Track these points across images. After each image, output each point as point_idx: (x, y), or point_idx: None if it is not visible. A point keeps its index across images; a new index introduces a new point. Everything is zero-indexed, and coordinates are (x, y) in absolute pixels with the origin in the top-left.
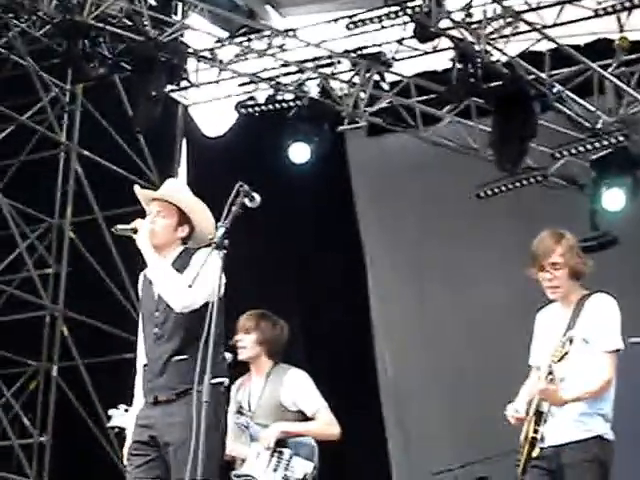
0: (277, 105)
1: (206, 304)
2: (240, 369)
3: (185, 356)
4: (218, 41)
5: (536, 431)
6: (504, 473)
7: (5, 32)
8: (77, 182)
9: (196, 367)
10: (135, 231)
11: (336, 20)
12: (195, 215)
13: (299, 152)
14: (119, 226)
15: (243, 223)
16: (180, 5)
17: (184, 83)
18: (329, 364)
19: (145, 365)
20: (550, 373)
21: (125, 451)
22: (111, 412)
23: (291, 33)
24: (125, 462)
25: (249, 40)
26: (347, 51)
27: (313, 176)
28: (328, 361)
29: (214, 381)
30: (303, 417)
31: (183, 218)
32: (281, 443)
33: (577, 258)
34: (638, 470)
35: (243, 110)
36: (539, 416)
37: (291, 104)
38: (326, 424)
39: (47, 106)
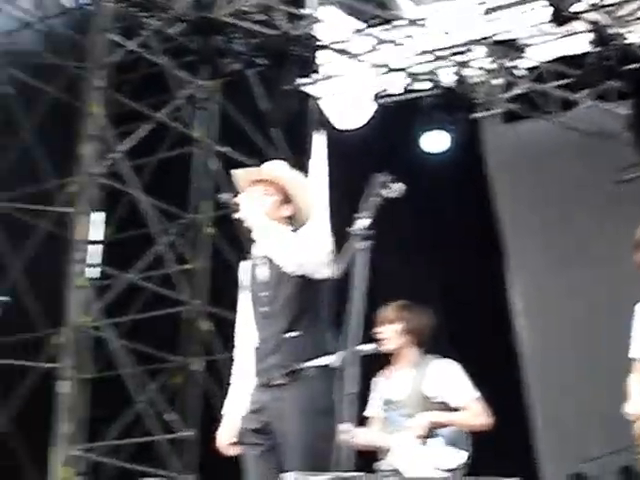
0: (412, 95)
1: (317, 280)
2: (379, 361)
3: (297, 333)
4: (351, 33)
5: None
6: None
7: (140, 31)
8: (213, 178)
9: (308, 344)
10: (239, 206)
11: (470, 7)
12: (298, 194)
13: (435, 141)
14: (224, 195)
15: (381, 213)
16: None
17: (317, 76)
18: (470, 356)
19: (257, 347)
20: None
21: (225, 436)
22: None
23: (424, 22)
24: (223, 443)
25: (382, 30)
26: (482, 38)
27: (449, 165)
28: (469, 353)
29: (322, 362)
30: (447, 408)
31: (286, 198)
32: (430, 433)
33: None
34: None
35: (378, 101)
36: None
37: (426, 93)
38: (475, 414)
39: (183, 103)
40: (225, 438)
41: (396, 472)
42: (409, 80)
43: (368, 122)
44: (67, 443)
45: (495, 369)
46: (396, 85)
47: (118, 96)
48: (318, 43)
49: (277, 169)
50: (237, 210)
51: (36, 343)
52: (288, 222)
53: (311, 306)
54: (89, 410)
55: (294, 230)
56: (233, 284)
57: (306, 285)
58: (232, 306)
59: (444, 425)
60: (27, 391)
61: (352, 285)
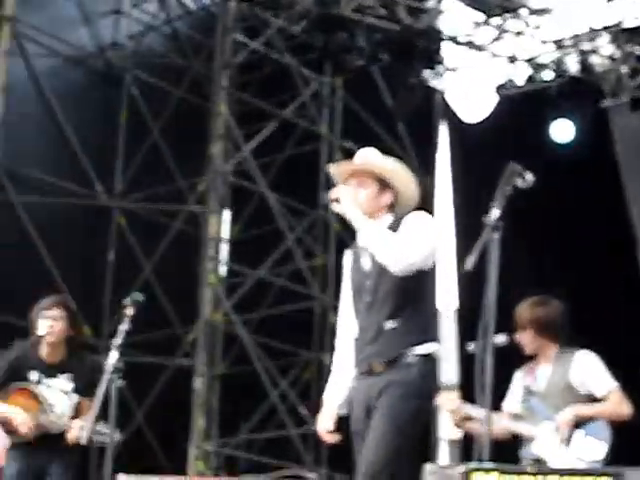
0: (537, 85)
1: (420, 272)
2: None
3: (396, 323)
4: (474, 24)
5: None
6: None
7: (264, 30)
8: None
9: (407, 333)
10: (337, 201)
11: None
12: (396, 180)
13: (562, 131)
14: (326, 195)
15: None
16: None
17: (441, 69)
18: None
19: (356, 338)
20: None
21: (323, 424)
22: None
23: (547, 11)
24: (323, 430)
25: (505, 21)
26: (607, 26)
27: (577, 153)
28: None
29: (422, 350)
30: (591, 399)
31: (383, 185)
32: (574, 424)
33: None
34: None
35: (503, 92)
36: None
37: (551, 83)
38: (617, 404)
39: (307, 100)
40: (324, 426)
41: (539, 461)
42: (532, 70)
43: (491, 113)
44: (201, 438)
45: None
46: (520, 75)
47: (244, 95)
48: (442, 35)
49: (370, 159)
50: (337, 205)
51: (170, 340)
52: (389, 210)
53: (414, 296)
54: (222, 405)
55: (396, 218)
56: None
57: (412, 276)
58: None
59: (589, 418)
60: (162, 387)
61: (485, 276)
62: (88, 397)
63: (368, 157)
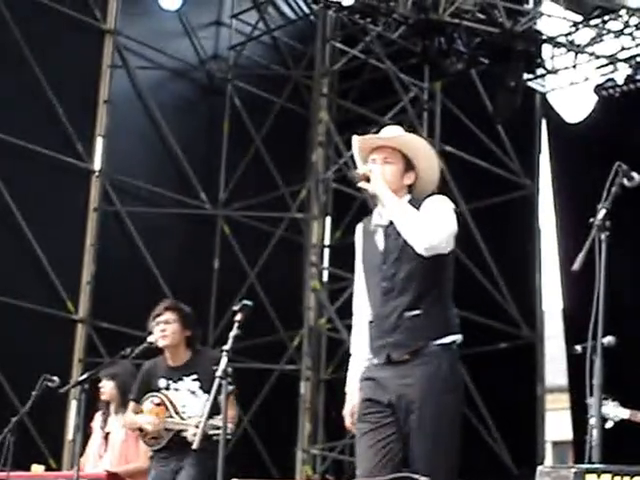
0: (638, 84)
1: (440, 257)
2: None
3: (419, 311)
4: (573, 25)
5: None
6: None
7: (363, 37)
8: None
9: (430, 322)
10: (367, 179)
11: None
12: (420, 161)
13: None
14: (354, 173)
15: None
16: None
17: (541, 71)
18: None
19: (371, 321)
20: None
21: (350, 416)
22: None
23: None
24: (349, 421)
25: (604, 21)
26: None
27: None
28: None
29: (446, 340)
30: None
31: (408, 164)
32: None
33: None
34: None
35: (603, 92)
36: None
37: None
38: None
39: (407, 106)
40: (349, 418)
41: None
42: (633, 70)
43: (592, 113)
44: (308, 442)
45: None
46: (620, 75)
47: (344, 102)
48: (541, 37)
49: (398, 135)
50: (362, 180)
51: (275, 346)
52: (409, 191)
53: (435, 283)
54: (328, 409)
55: (414, 199)
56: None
57: (431, 261)
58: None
59: None
60: (268, 392)
61: (596, 277)
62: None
63: (397, 133)
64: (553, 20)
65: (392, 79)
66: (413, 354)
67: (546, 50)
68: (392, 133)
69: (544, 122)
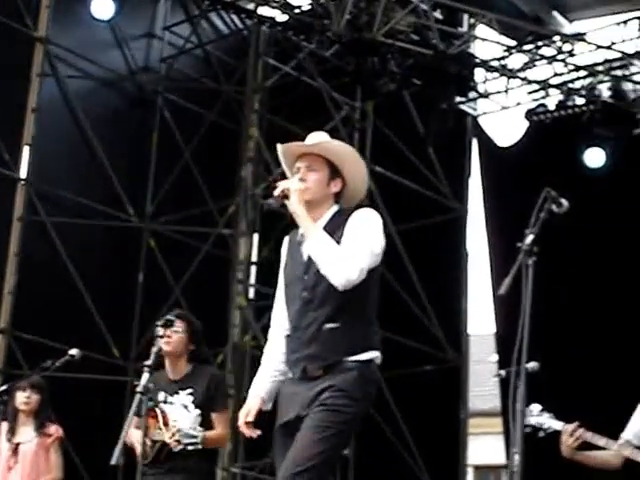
0: (568, 111)
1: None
2: None
3: (338, 324)
4: (506, 50)
5: None
6: None
7: (296, 54)
8: (369, 197)
9: (349, 337)
10: (286, 197)
11: (626, 22)
12: (347, 167)
13: (594, 157)
14: (268, 200)
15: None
16: (466, 17)
17: (473, 94)
18: None
19: (290, 334)
20: None
21: (243, 416)
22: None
23: (580, 37)
24: (242, 421)
25: (537, 47)
26: (639, 52)
27: (610, 180)
28: None
29: (364, 357)
30: None
31: (334, 171)
32: None
33: None
34: None
35: (534, 117)
36: None
37: (583, 109)
38: None
39: (339, 124)
40: (243, 418)
41: None
42: (564, 96)
43: (522, 138)
44: (228, 460)
45: None
46: (551, 101)
47: (275, 119)
48: (474, 61)
49: (323, 141)
50: (280, 199)
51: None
52: (335, 199)
53: (357, 297)
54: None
55: (341, 210)
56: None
57: None
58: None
59: None
60: None
61: (520, 300)
62: (213, 411)
63: (322, 139)
64: (487, 44)
65: (324, 97)
66: (328, 369)
67: (479, 74)
68: (316, 139)
69: (475, 145)
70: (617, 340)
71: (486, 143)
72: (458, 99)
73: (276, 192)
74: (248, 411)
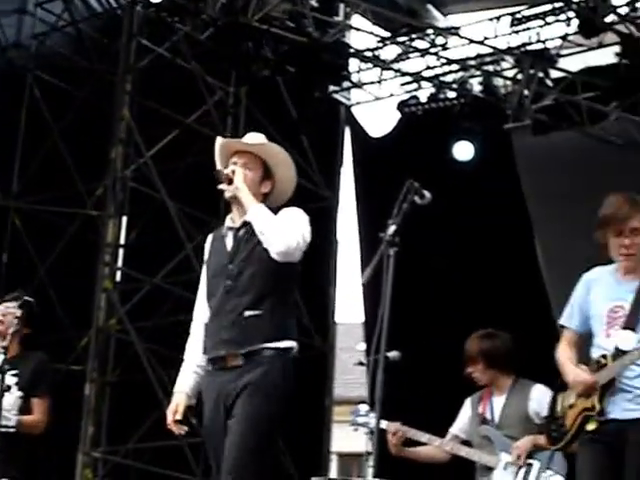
0: (440, 104)
1: (288, 264)
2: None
3: (259, 312)
4: (380, 41)
5: (592, 406)
6: None
7: (170, 36)
8: None
9: (269, 324)
10: (230, 180)
11: (499, 17)
12: (280, 171)
13: (463, 150)
14: (220, 174)
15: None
16: (342, 6)
17: (346, 83)
18: None
19: (209, 321)
20: None
21: (171, 414)
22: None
23: (453, 31)
24: (171, 419)
25: (411, 39)
26: (510, 48)
27: (478, 174)
28: None
29: (282, 345)
30: None
31: (267, 172)
32: (530, 455)
33: None
34: None
35: (406, 109)
36: (605, 389)
37: (454, 102)
38: None
39: (211, 109)
40: (171, 416)
41: None
42: (436, 89)
43: (394, 129)
44: (90, 445)
45: None
46: (424, 93)
47: (147, 101)
48: (348, 50)
49: (263, 143)
50: (225, 181)
51: (62, 345)
52: (264, 199)
53: (278, 287)
54: (113, 413)
55: (269, 208)
56: None
57: (278, 265)
58: None
59: (545, 447)
60: (54, 392)
61: (382, 290)
62: (34, 396)
63: (259, 141)
64: (361, 34)
65: (198, 81)
66: (247, 358)
67: (353, 63)
68: (256, 140)
69: (348, 135)
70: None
71: (359, 133)
72: (332, 88)
73: (224, 172)
74: (176, 409)
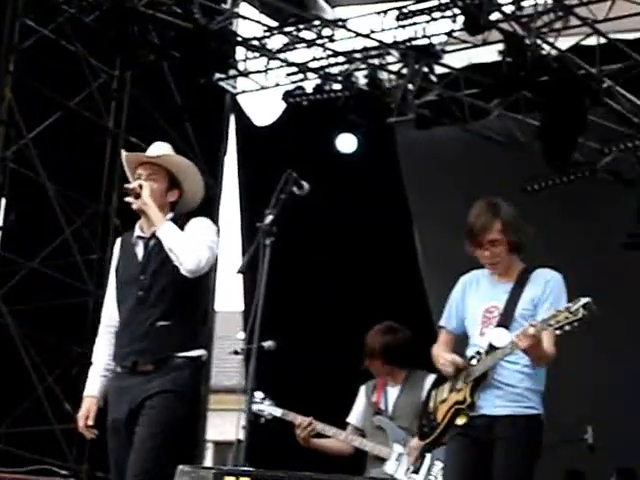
0: (325, 95)
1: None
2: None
3: (170, 322)
4: (267, 30)
5: (464, 399)
6: None
7: (55, 17)
8: (123, 169)
9: (180, 334)
10: (137, 194)
11: (386, 11)
12: (186, 179)
13: (347, 142)
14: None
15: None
16: None
17: (232, 71)
18: None
19: (119, 330)
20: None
21: (83, 419)
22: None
23: (340, 23)
24: (82, 423)
25: (298, 30)
26: (396, 42)
27: (361, 166)
28: None
29: (192, 354)
30: None
31: (173, 182)
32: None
33: (516, 232)
34: None
35: (291, 99)
36: (477, 382)
37: (339, 94)
38: None
39: (95, 92)
40: (83, 421)
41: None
42: (322, 80)
43: (279, 119)
44: None
45: None
46: (309, 84)
47: (30, 82)
48: (235, 39)
49: (169, 154)
50: (134, 195)
51: None
52: (171, 209)
53: (188, 298)
54: None
55: (175, 216)
56: None
57: (186, 279)
58: None
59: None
60: None
61: (257, 279)
62: None
63: (165, 151)
64: (249, 23)
65: (82, 63)
66: (158, 364)
67: (240, 52)
68: (161, 151)
69: (232, 123)
70: (356, 324)
71: (243, 121)
72: (218, 75)
73: (130, 186)
74: (87, 414)
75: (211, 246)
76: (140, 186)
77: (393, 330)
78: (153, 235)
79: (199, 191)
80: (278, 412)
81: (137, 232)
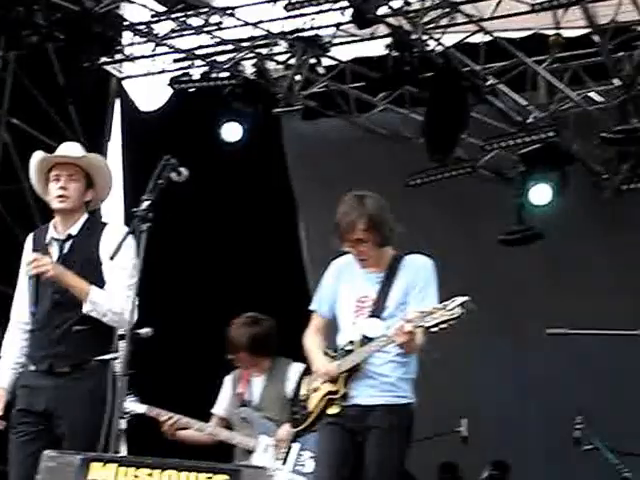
0: (212, 83)
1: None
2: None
3: (86, 326)
4: (154, 15)
5: (338, 389)
6: None
7: None
8: (5, 151)
9: (96, 338)
10: (42, 273)
11: (275, 1)
12: (100, 181)
13: (231, 131)
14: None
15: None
16: None
17: (118, 56)
18: None
19: (34, 330)
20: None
21: None
22: None
23: (229, 11)
24: None
25: (186, 16)
26: (284, 33)
27: (245, 155)
28: None
29: (107, 357)
30: None
31: (89, 182)
32: (294, 439)
33: (381, 228)
34: None
35: (177, 86)
36: (350, 373)
37: (225, 82)
38: None
39: None
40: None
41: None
42: (209, 68)
43: (165, 105)
44: None
45: None
46: (196, 71)
47: None
48: (123, 23)
49: (83, 154)
50: (32, 267)
51: None
52: (87, 206)
53: None
54: None
55: (89, 217)
56: (18, 260)
57: (103, 285)
58: (10, 282)
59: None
60: None
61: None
62: None
63: (79, 151)
64: (136, 7)
65: None
66: (74, 367)
67: (126, 36)
68: (76, 151)
69: (117, 108)
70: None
71: (129, 106)
72: (103, 59)
73: (33, 272)
74: None
75: (131, 278)
76: (45, 269)
77: (258, 321)
78: (69, 236)
79: (109, 188)
80: (142, 409)
81: (51, 232)
